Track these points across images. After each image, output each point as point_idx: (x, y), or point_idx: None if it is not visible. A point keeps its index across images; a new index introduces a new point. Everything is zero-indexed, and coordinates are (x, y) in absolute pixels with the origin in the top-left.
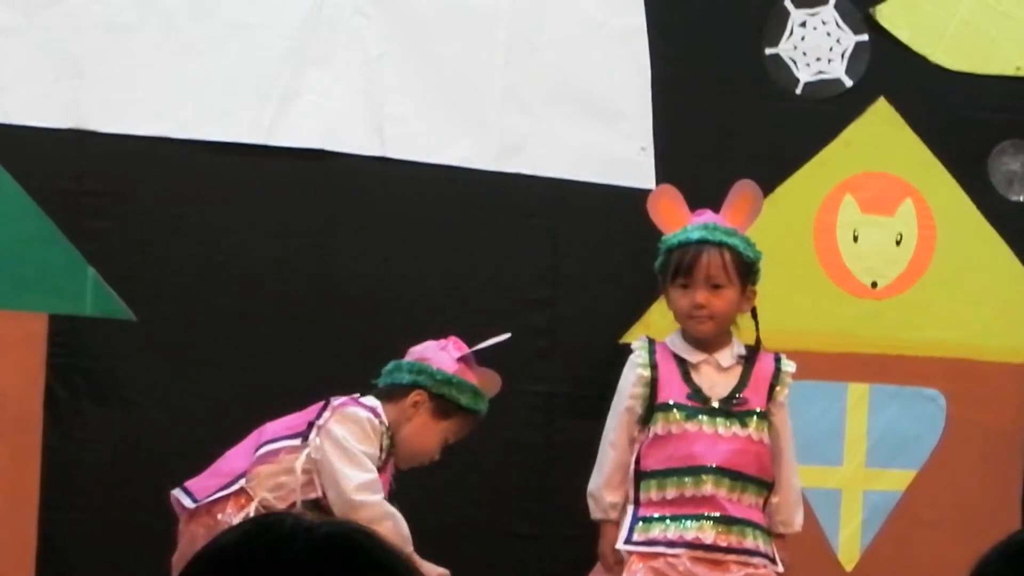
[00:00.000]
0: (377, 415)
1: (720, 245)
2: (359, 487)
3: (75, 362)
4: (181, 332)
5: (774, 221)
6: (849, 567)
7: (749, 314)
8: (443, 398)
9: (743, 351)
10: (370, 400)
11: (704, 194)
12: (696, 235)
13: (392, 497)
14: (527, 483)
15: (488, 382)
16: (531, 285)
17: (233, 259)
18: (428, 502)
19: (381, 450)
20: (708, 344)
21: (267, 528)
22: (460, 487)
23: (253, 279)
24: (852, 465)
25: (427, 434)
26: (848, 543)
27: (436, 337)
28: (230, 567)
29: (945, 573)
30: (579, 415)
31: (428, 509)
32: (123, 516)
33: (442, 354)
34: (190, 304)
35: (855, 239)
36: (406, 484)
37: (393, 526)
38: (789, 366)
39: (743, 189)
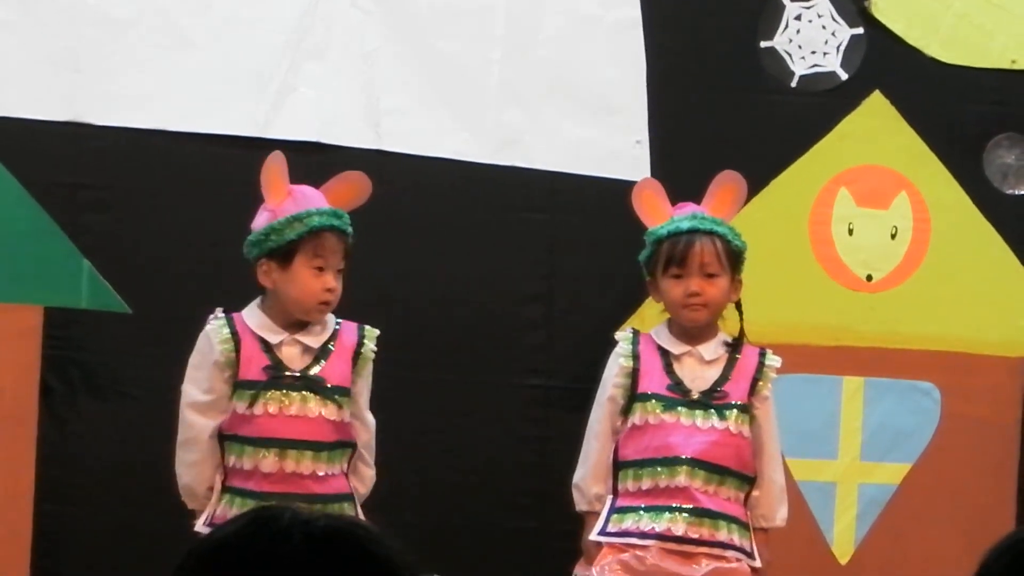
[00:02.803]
0: (216, 317)
1: (711, 234)
2: (186, 404)
3: (70, 355)
4: (176, 325)
5: (769, 214)
6: (844, 560)
7: (733, 306)
8: (275, 250)
9: (727, 344)
10: (219, 311)
11: (699, 187)
12: (686, 225)
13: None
14: (523, 477)
15: (320, 195)
16: (527, 278)
17: (229, 252)
18: (424, 495)
19: (234, 342)
20: (693, 336)
21: (265, 522)
22: (456, 480)
23: (249, 272)
24: (847, 458)
25: (294, 283)
26: (843, 536)
27: (430, 333)
28: (228, 561)
29: (940, 566)
30: (575, 408)
31: (423, 502)
32: (118, 509)
33: (258, 217)
34: (185, 297)
35: (850, 232)
36: (401, 478)
37: (183, 456)
38: (774, 361)
39: (725, 180)
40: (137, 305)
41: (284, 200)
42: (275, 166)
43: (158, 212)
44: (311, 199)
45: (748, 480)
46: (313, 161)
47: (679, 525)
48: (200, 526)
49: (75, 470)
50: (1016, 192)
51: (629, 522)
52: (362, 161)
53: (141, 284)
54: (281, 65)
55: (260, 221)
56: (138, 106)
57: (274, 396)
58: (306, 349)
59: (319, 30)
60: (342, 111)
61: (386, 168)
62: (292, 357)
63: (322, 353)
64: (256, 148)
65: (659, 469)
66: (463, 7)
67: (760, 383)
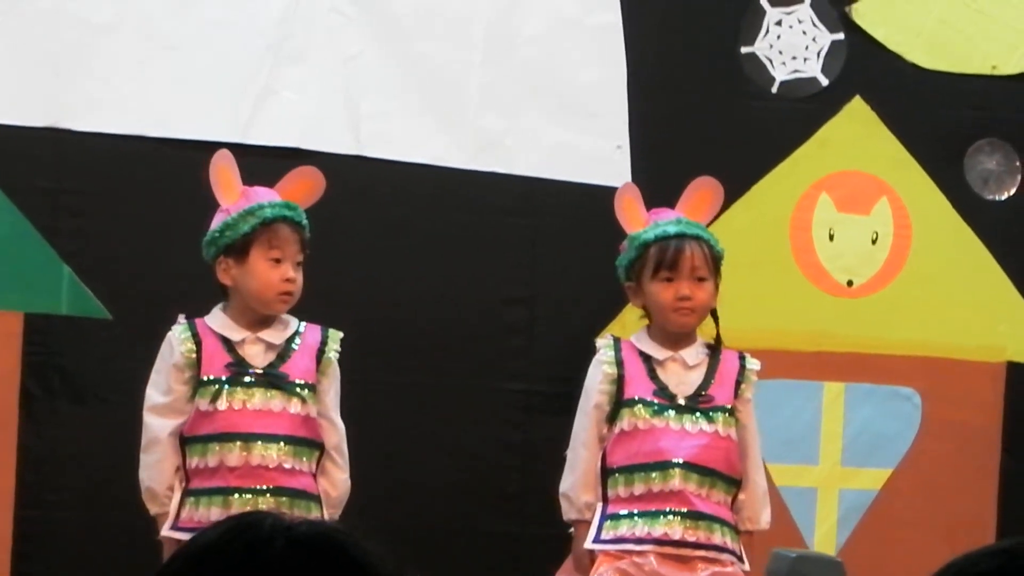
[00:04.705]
0: (177, 323)
1: (697, 239)
2: (146, 408)
3: (51, 361)
4: (157, 331)
5: (750, 220)
6: None
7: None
8: (230, 246)
9: (707, 349)
10: (181, 317)
11: (680, 192)
12: (673, 229)
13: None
14: (504, 481)
15: (273, 193)
16: (508, 283)
17: None
18: (404, 498)
19: (196, 346)
20: (675, 341)
21: (246, 527)
22: (437, 484)
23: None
24: (828, 464)
25: (252, 276)
26: (824, 541)
27: (411, 337)
28: (210, 566)
29: (921, 571)
30: (556, 413)
31: (404, 505)
32: (98, 514)
33: (214, 219)
34: (166, 303)
35: (831, 238)
36: (381, 480)
37: (145, 460)
38: (754, 364)
39: (701, 186)
40: (117, 311)
41: (237, 200)
42: (222, 164)
43: (138, 218)
44: (263, 196)
45: (735, 483)
46: (293, 166)
47: (676, 529)
48: (167, 530)
49: (55, 475)
50: (997, 197)
51: (624, 528)
52: (342, 166)
53: (121, 290)
54: (261, 70)
55: (215, 221)
56: (118, 111)
57: (237, 392)
58: (269, 347)
59: (299, 35)
60: (322, 116)
61: (366, 173)
62: (255, 355)
63: (285, 351)
64: (236, 153)
65: (652, 474)
66: (443, 11)
67: (743, 386)
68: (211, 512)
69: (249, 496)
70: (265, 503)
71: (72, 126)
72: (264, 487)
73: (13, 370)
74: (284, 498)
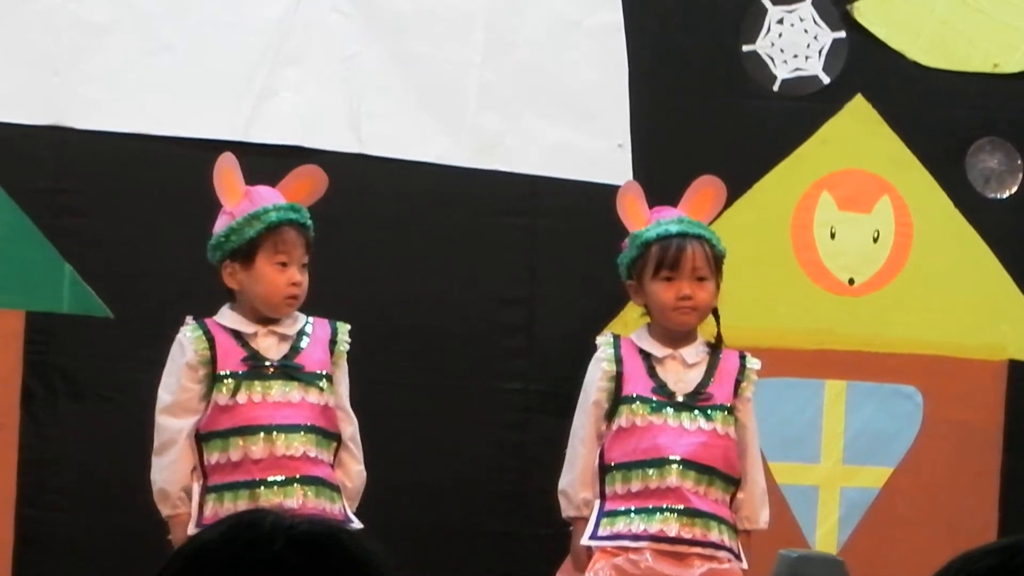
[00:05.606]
0: (186, 323)
1: (699, 238)
2: (159, 410)
3: (52, 359)
4: (158, 329)
5: (751, 218)
6: None
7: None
8: (236, 251)
9: (707, 348)
10: (189, 318)
11: (681, 191)
12: (675, 228)
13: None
14: (503, 480)
15: (277, 193)
16: (508, 282)
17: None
18: (402, 499)
19: (210, 346)
20: (675, 340)
21: (247, 526)
22: (435, 484)
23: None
24: (829, 462)
25: (259, 281)
26: (825, 540)
27: (411, 336)
28: (210, 565)
29: (922, 570)
30: (555, 412)
31: (402, 505)
32: (100, 514)
33: (218, 221)
34: (167, 301)
35: (832, 236)
36: (381, 480)
37: (158, 462)
38: (754, 363)
39: (703, 185)
40: (119, 310)
41: (241, 201)
42: (226, 168)
43: (139, 216)
44: (267, 197)
45: (734, 482)
46: (294, 165)
47: (672, 526)
48: (192, 529)
49: (57, 475)
50: (998, 196)
51: (620, 525)
52: (343, 165)
53: (122, 289)
54: (261, 69)
55: (220, 224)
56: (118, 110)
57: (255, 385)
58: (282, 339)
59: (299, 34)
60: (323, 115)
61: (367, 172)
62: (268, 347)
63: (298, 341)
64: (237, 152)
65: (649, 471)
66: (443, 11)
67: (743, 385)
68: (237, 506)
69: (277, 487)
70: (294, 493)
71: (73, 125)
72: (293, 476)
73: (14, 369)
74: (312, 487)
